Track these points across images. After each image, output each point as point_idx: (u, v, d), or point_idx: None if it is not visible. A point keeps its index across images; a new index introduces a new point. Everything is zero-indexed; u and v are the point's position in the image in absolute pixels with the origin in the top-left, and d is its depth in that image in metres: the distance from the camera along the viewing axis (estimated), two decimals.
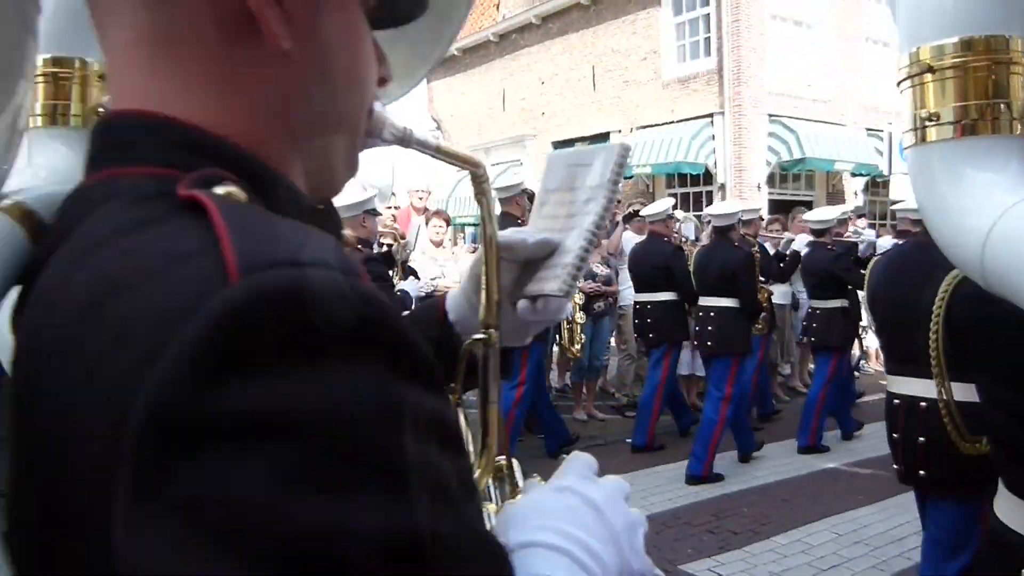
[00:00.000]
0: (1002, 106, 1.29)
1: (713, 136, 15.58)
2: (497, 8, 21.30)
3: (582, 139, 17.43)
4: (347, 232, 4.80)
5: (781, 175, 15.83)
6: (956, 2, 1.30)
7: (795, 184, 16.39)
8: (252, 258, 0.45)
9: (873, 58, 16.31)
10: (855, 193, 16.93)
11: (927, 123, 1.34)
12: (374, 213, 4.79)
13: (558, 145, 17.04)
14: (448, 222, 8.14)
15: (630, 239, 7.98)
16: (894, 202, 13.09)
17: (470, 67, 22.16)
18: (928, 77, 1.33)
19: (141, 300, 0.46)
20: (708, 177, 16.18)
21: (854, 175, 15.87)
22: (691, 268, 6.83)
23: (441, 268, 6.51)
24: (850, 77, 16.42)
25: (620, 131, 17.10)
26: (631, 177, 15.41)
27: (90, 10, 0.63)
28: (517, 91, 20.64)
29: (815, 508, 5.45)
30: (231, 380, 0.42)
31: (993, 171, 1.29)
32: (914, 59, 1.35)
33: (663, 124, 16.24)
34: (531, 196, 5.44)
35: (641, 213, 7.71)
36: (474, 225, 17.44)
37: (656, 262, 6.77)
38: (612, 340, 8.61)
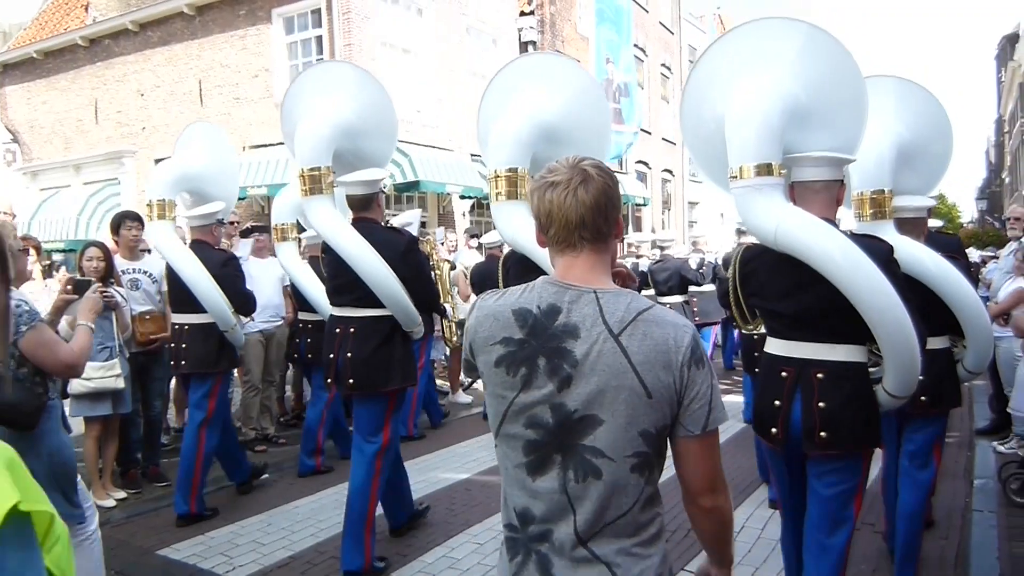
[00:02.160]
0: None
1: None
2: (86, 9, 19.18)
3: None
4: None
5: (396, 196, 16.25)
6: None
7: (409, 205, 16.94)
8: None
9: (476, 90, 17.40)
10: (463, 214, 18.05)
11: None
12: None
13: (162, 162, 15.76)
14: (38, 249, 7.13)
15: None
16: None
17: (53, 72, 19.64)
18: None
19: None
20: None
21: (462, 197, 16.86)
22: None
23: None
24: (454, 106, 17.46)
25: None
26: (244, 199, 14.76)
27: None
28: (112, 103, 18.73)
29: (456, 520, 5.63)
30: None
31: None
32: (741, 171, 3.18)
33: (277, 144, 15.80)
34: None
35: (481, 241, 9.78)
36: (65, 251, 15.46)
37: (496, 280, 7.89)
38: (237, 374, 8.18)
